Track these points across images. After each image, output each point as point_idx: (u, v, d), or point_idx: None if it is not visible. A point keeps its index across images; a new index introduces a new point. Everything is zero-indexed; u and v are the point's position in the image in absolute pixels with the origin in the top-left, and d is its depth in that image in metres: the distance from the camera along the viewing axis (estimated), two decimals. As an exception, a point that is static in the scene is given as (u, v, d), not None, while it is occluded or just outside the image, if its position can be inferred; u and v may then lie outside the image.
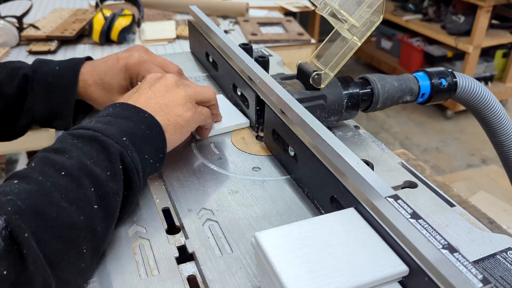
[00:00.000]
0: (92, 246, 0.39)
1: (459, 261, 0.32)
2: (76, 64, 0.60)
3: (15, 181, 0.38)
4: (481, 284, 0.30)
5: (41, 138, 1.06)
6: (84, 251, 0.38)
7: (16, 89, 0.58)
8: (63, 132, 0.45)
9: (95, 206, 0.40)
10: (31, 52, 1.22)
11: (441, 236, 0.34)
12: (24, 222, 0.34)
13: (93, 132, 0.44)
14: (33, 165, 0.40)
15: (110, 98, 0.60)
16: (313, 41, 1.37)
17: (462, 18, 2.62)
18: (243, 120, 0.64)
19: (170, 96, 0.51)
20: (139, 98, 0.51)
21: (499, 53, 2.81)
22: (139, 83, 0.60)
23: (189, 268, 0.43)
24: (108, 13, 1.28)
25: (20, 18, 1.29)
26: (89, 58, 0.63)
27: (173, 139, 0.50)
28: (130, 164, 0.44)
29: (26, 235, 0.33)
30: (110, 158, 0.43)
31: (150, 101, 0.50)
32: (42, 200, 0.36)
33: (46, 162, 0.40)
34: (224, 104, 0.68)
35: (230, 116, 0.65)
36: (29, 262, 0.33)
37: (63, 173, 0.39)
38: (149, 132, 0.47)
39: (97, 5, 1.40)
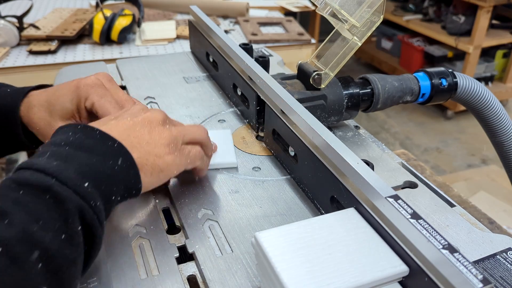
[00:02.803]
0: None
1: (459, 261, 0.32)
2: (30, 87, 0.53)
3: None
4: (481, 284, 0.30)
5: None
6: None
7: None
8: (6, 177, 0.36)
9: None
10: (31, 52, 1.22)
11: (441, 236, 0.34)
12: None
13: (44, 177, 0.35)
14: None
15: (49, 123, 0.50)
16: (313, 41, 1.37)
17: (463, 18, 2.62)
18: (230, 160, 0.56)
19: (153, 132, 0.44)
20: (116, 126, 0.43)
21: (499, 53, 2.81)
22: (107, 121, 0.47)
23: (189, 268, 0.43)
24: (108, 13, 1.28)
25: (20, 18, 1.29)
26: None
27: (147, 182, 0.42)
28: (92, 220, 0.36)
29: None
30: (66, 216, 0.34)
31: (129, 133, 0.42)
32: None
33: None
34: (224, 139, 0.59)
35: (220, 152, 0.57)
36: None
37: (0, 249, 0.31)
38: (118, 168, 0.39)
39: (97, 5, 1.40)
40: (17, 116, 0.51)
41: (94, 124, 0.43)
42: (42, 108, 0.51)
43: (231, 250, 0.44)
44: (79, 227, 0.35)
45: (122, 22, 1.28)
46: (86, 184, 0.36)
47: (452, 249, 0.33)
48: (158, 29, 1.40)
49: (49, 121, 0.51)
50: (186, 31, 1.36)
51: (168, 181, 0.52)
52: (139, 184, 0.42)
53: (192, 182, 0.53)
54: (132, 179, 0.41)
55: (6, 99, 0.52)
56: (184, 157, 0.46)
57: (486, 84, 2.82)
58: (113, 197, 0.39)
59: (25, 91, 0.52)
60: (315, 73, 0.58)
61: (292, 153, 0.53)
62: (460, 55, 2.76)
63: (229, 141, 0.59)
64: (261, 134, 0.63)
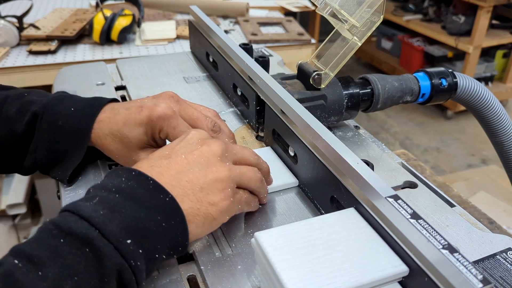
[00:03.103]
0: None
1: (459, 261, 0.32)
2: (95, 107, 0.51)
3: None
4: (481, 285, 0.30)
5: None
6: None
7: (25, 127, 0.50)
8: (49, 220, 0.35)
9: None
10: (31, 52, 1.22)
11: (441, 236, 0.34)
12: None
13: (88, 227, 0.34)
14: None
15: (128, 154, 0.50)
16: (313, 41, 1.37)
17: (463, 18, 2.62)
18: (290, 180, 0.53)
19: (209, 174, 0.41)
20: (168, 169, 0.40)
21: (499, 53, 2.81)
22: (168, 142, 0.48)
23: (189, 268, 0.43)
24: (108, 13, 1.28)
25: (20, 18, 1.29)
26: (114, 100, 0.53)
27: (198, 233, 0.40)
28: (130, 281, 0.34)
29: None
30: (103, 274, 0.33)
31: (181, 177, 0.40)
32: None
33: (9, 286, 0.30)
34: (269, 158, 0.54)
35: (275, 174, 0.52)
36: None
37: None
38: (166, 224, 0.37)
39: (97, 5, 1.40)
40: (85, 145, 0.50)
41: (146, 163, 0.41)
42: (116, 138, 0.49)
43: (231, 250, 0.44)
44: None
45: (122, 22, 1.28)
46: (129, 241, 0.34)
47: (452, 249, 0.33)
48: (158, 29, 1.40)
49: (127, 152, 0.49)
50: (186, 31, 1.36)
51: None
52: (186, 241, 0.39)
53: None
54: (179, 237, 0.38)
55: (74, 125, 0.50)
56: (237, 202, 0.43)
57: (486, 84, 2.82)
58: (157, 255, 0.37)
59: (93, 116, 0.50)
60: (315, 73, 0.58)
61: (292, 153, 0.53)
62: (460, 55, 2.76)
63: (275, 159, 0.56)
64: (261, 134, 0.63)
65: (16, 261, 0.31)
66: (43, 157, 0.51)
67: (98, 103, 0.51)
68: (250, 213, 0.48)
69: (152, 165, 0.41)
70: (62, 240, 0.33)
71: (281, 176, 0.53)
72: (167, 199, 0.38)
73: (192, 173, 0.40)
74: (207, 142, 0.43)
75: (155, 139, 0.50)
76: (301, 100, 0.55)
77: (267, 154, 0.57)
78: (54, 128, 0.50)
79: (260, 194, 0.47)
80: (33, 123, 0.51)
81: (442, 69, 0.63)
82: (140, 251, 0.35)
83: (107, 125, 0.49)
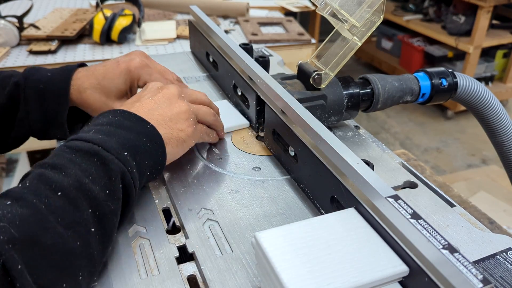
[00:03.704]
0: (89, 271, 0.38)
1: (459, 261, 0.32)
2: (69, 69, 0.58)
3: (8, 202, 0.35)
4: (481, 284, 0.30)
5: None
6: (80, 277, 0.36)
7: (7, 98, 0.56)
8: (60, 144, 0.43)
9: (92, 229, 0.38)
10: (32, 52, 1.22)
11: (441, 236, 0.34)
12: (18, 252, 0.32)
13: (92, 145, 0.42)
14: (27, 184, 0.37)
15: (106, 103, 0.58)
16: (313, 41, 1.37)
17: (463, 18, 2.62)
18: (243, 121, 0.65)
19: (173, 108, 0.50)
20: (141, 107, 0.49)
21: (499, 53, 2.81)
22: (139, 89, 0.60)
23: (189, 268, 0.43)
24: (108, 13, 1.28)
25: (20, 18, 1.29)
26: (83, 65, 0.61)
27: (174, 153, 0.50)
28: (129, 182, 0.43)
29: (19, 267, 0.31)
30: (110, 175, 0.41)
31: (153, 112, 0.49)
32: (37, 226, 0.34)
33: (42, 181, 0.38)
34: (226, 107, 0.68)
35: (231, 118, 0.65)
36: None
37: (59, 193, 0.37)
38: (150, 145, 0.46)
39: (97, 5, 1.40)
40: (67, 99, 0.57)
41: (122, 108, 0.49)
42: (96, 90, 0.58)
43: (231, 250, 0.44)
44: (120, 185, 0.41)
45: (122, 22, 1.28)
46: (125, 153, 0.43)
47: (452, 249, 0.33)
48: (158, 29, 1.40)
49: (105, 102, 0.58)
50: (186, 31, 1.36)
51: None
52: (165, 160, 0.48)
53: (192, 182, 0.53)
54: (160, 157, 0.48)
55: (55, 84, 0.57)
56: (198, 131, 0.54)
57: (486, 84, 2.82)
58: (145, 170, 0.45)
59: (70, 74, 0.57)
60: (315, 73, 0.58)
61: (292, 153, 0.53)
62: (460, 55, 2.76)
63: (231, 108, 0.68)
64: (261, 134, 0.63)
65: (42, 169, 0.39)
66: (37, 120, 0.57)
67: (70, 67, 0.59)
68: (250, 213, 0.48)
69: (128, 108, 0.49)
70: (73, 155, 0.41)
71: (236, 119, 0.65)
72: (148, 126, 0.47)
73: (161, 109, 0.50)
74: (166, 87, 0.53)
75: (132, 89, 0.60)
76: (301, 100, 0.55)
77: (224, 104, 0.69)
78: (39, 91, 0.56)
79: (217, 128, 0.58)
80: (15, 93, 0.56)
81: (442, 69, 0.63)
82: (134, 162, 0.44)
83: (87, 80, 0.58)
